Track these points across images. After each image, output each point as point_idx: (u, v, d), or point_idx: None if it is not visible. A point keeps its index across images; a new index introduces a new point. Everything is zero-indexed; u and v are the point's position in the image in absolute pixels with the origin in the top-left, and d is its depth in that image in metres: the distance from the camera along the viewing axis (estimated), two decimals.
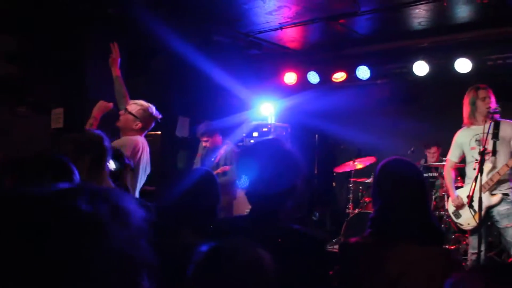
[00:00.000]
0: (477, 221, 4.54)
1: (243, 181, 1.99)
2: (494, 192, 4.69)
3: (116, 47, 4.61)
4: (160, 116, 4.31)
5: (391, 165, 2.23)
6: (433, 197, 6.52)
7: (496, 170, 4.66)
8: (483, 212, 4.53)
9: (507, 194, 4.69)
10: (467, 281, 0.97)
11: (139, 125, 4.13)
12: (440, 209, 6.39)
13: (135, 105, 4.18)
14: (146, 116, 4.17)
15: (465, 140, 4.98)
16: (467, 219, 4.78)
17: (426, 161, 7.22)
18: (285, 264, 1.66)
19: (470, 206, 4.54)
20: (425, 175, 6.88)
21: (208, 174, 2.85)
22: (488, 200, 4.65)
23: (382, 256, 2.06)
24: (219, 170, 5.94)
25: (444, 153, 7.03)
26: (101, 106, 4.14)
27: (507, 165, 4.63)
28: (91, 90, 5.75)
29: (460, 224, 4.98)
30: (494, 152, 4.66)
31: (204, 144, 6.23)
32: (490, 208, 4.67)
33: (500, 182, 4.67)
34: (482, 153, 4.33)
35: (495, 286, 0.92)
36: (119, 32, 6.08)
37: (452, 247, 6.09)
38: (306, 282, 1.83)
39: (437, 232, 2.16)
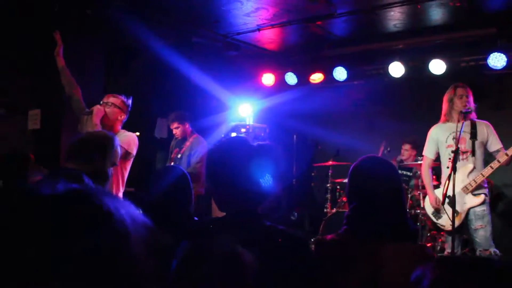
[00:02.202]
0: (461, 221, 4.57)
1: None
2: (476, 193, 4.70)
3: (58, 36, 4.63)
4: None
5: (364, 163, 2.25)
6: (409, 196, 6.61)
7: (479, 171, 4.67)
8: (463, 214, 4.59)
9: (485, 195, 4.72)
10: (430, 271, 1.00)
11: (123, 116, 4.30)
12: (416, 208, 6.49)
13: (115, 98, 4.30)
14: (127, 107, 4.35)
15: (441, 138, 4.98)
16: (449, 220, 4.65)
17: (401, 159, 7.32)
18: (270, 264, 1.67)
19: (452, 206, 4.46)
20: (401, 172, 6.97)
21: (181, 176, 2.85)
22: (471, 201, 4.66)
23: (357, 252, 2.09)
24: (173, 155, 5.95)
25: (420, 153, 7.14)
26: (99, 112, 4.18)
27: (491, 167, 4.62)
28: None
29: (442, 225, 4.96)
30: (473, 152, 4.65)
31: (174, 131, 6.19)
32: (471, 208, 4.69)
33: (480, 184, 4.69)
34: (456, 152, 4.35)
35: (456, 276, 0.96)
36: (98, 33, 6.06)
37: (428, 245, 6.19)
38: (291, 283, 1.82)
39: (411, 229, 2.21)
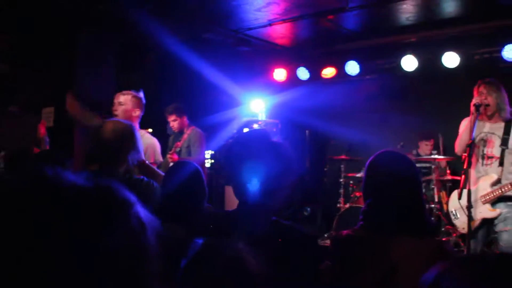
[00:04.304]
0: (473, 228, 4.29)
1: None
2: (495, 206, 4.33)
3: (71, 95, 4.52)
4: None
5: (381, 158, 2.21)
6: (423, 190, 6.55)
7: (501, 185, 4.27)
8: (477, 222, 4.33)
9: (510, 198, 4.28)
10: (454, 272, 0.97)
11: (138, 112, 4.27)
12: (429, 202, 6.44)
13: (125, 95, 4.27)
14: (139, 100, 4.31)
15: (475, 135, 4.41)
16: (464, 223, 4.39)
17: (417, 152, 7.28)
18: (276, 260, 1.67)
19: (468, 201, 4.16)
20: (418, 165, 6.93)
21: (195, 171, 2.85)
22: (486, 213, 4.35)
23: (374, 248, 2.07)
24: (173, 156, 5.96)
25: (435, 147, 7.09)
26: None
27: (511, 184, 4.21)
28: (82, 88, 5.73)
29: (457, 226, 4.75)
30: (501, 162, 4.24)
31: (171, 124, 6.21)
32: (486, 219, 4.36)
33: (504, 196, 4.29)
34: (470, 145, 4.16)
35: (484, 278, 0.93)
36: (110, 29, 6.06)
37: (443, 240, 6.14)
38: (298, 278, 1.83)
39: (429, 224, 2.18)
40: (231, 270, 1.44)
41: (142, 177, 3.01)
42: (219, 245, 1.52)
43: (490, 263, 0.96)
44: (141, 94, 4.34)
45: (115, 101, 4.27)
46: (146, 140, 4.30)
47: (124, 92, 4.33)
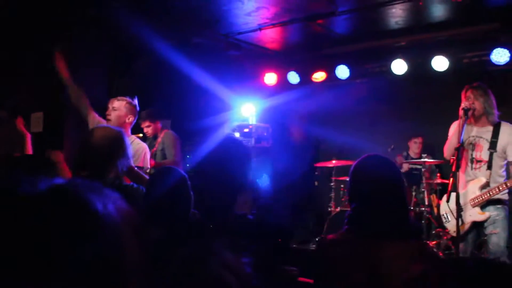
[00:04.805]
0: (464, 231, 4.36)
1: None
2: (484, 209, 4.40)
3: (58, 53, 4.48)
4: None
5: (365, 163, 2.23)
6: (413, 193, 6.58)
7: (489, 188, 4.37)
8: (467, 225, 4.39)
9: (499, 201, 4.39)
10: (434, 273, 0.98)
11: (131, 118, 4.33)
12: (420, 206, 6.46)
13: (120, 101, 4.31)
14: (133, 108, 4.36)
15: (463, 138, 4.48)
16: (455, 227, 4.39)
17: (407, 153, 7.31)
18: (246, 254, 1.70)
19: (459, 215, 4.23)
20: (410, 166, 6.97)
21: (180, 178, 2.84)
22: (476, 216, 4.41)
23: (358, 251, 2.09)
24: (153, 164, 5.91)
25: (425, 149, 7.13)
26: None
27: (498, 188, 4.31)
28: None
29: (448, 229, 4.81)
30: (489, 165, 4.31)
31: (145, 130, 6.19)
32: (476, 222, 4.43)
33: (493, 199, 4.38)
34: (458, 149, 4.20)
35: (461, 281, 0.94)
36: (101, 34, 6.05)
37: (433, 243, 6.16)
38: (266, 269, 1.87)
39: (413, 227, 2.19)
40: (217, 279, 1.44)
41: (131, 183, 3.01)
42: (204, 254, 1.51)
43: (469, 267, 0.97)
44: (136, 101, 4.38)
45: (109, 106, 4.31)
46: (136, 145, 4.32)
47: (119, 98, 4.36)
